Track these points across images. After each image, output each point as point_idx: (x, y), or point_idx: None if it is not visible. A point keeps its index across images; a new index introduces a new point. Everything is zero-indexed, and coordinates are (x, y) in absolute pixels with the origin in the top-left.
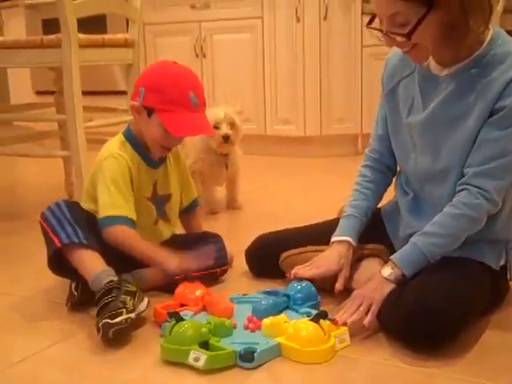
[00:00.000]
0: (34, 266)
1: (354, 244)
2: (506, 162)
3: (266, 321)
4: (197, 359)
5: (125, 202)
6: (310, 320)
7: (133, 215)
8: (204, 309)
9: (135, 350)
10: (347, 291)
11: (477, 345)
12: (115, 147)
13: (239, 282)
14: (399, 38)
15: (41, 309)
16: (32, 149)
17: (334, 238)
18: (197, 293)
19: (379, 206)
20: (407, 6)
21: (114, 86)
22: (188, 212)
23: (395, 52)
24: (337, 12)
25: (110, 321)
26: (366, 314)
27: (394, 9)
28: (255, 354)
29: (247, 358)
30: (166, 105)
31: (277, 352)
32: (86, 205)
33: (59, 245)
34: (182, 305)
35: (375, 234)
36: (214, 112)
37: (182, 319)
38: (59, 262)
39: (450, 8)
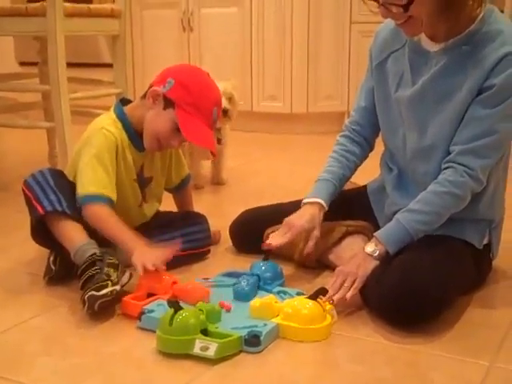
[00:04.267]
0: (18, 238)
1: (326, 207)
2: (492, 141)
3: (255, 302)
4: (205, 348)
5: (108, 181)
6: (309, 298)
7: (114, 195)
8: (175, 296)
9: (117, 323)
10: (327, 267)
11: (459, 322)
12: (106, 123)
13: (224, 257)
14: (395, 10)
15: (22, 281)
16: (15, 120)
17: (305, 200)
18: (164, 279)
19: (365, 183)
20: None
21: (99, 58)
22: (180, 189)
23: (386, 25)
24: None
25: (95, 293)
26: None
27: None
28: (261, 338)
29: (254, 343)
30: (190, 107)
31: (276, 333)
32: (70, 178)
33: (42, 212)
34: (150, 294)
35: (361, 211)
36: None
37: (181, 308)
38: (42, 231)
39: None
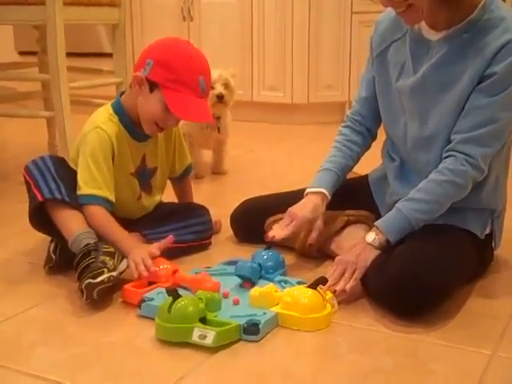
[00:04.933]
0: (18, 227)
1: (329, 197)
2: (494, 130)
3: (254, 292)
4: (203, 336)
5: (103, 181)
6: (308, 286)
7: (110, 195)
8: (176, 285)
9: (117, 312)
10: (328, 256)
11: (460, 312)
12: (100, 120)
13: (225, 247)
14: None
15: (22, 271)
16: (15, 110)
17: (308, 190)
18: (163, 267)
19: (367, 172)
20: None
21: (99, 47)
22: (181, 179)
23: (386, 14)
24: None
25: (92, 281)
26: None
27: None
28: (260, 326)
29: (252, 331)
30: (174, 84)
31: (275, 322)
32: (72, 166)
33: (41, 199)
34: (151, 282)
35: (362, 200)
36: None
37: (180, 296)
38: (41, 217)
39: None
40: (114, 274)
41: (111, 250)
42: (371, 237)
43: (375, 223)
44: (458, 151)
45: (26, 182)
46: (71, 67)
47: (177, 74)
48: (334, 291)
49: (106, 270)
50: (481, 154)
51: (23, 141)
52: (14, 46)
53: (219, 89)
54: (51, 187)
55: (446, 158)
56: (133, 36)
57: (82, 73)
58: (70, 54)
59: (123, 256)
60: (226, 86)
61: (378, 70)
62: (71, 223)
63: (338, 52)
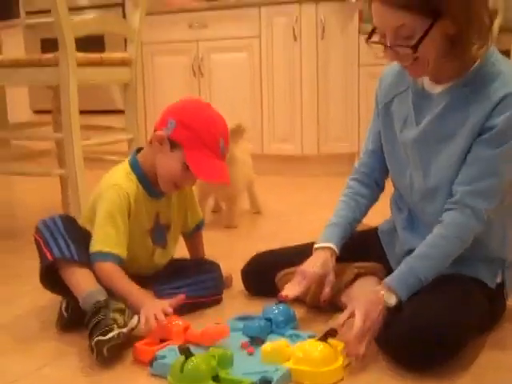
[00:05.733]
0: (30, 284)
1: (337, 251)
2: (496, 183)
3: (266, 347)
4: None
5: (117, 238)
6: (319, 340)
7: (122, 252)
8: (188, 342)
9: (128, 370)
10: (335, 304)
11: (473, 364)
12: (119, 177)
13: (236, 301)
14: (404, 51)
15: (32, 329)
16: (29, 167)
17: (316, 245)
18: (175, 323)
19: (376, 224)
20: (413, 18)
21: (112, 105)
22: (192, 234)
23: (389, 69)
24: (334, 31)
25: (102, 338)
26: None
27: (400, 21)
28: (272, 383)
29: None
30: (196, 145)
31: (288, 378)
32: (84, 226)
33: (51, 258)
34: (162, 340)
35: (372, 252)
36: None
37: (192, 354)
38: (51, 277)
39: (455, 19)
40: (124, 330)
41: (121, 306)
42: (393, 300)
43: (388, 283)
44: (462, 204)
45: (36, 242)
46: (84, 125)
47: (198, 135)
48: (359, 357)
49: (115, 326)
50: (485, 207)
51: (37, 199)
52: (29, 105)
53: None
54: (61, 246)
55: (450, 210)
56: (144, 93)
57: (94, 130)
58: (82, 112)
59: (134, 312)
60: None
61: (383, 122)
62: (81, 282)
63: (346, 103)
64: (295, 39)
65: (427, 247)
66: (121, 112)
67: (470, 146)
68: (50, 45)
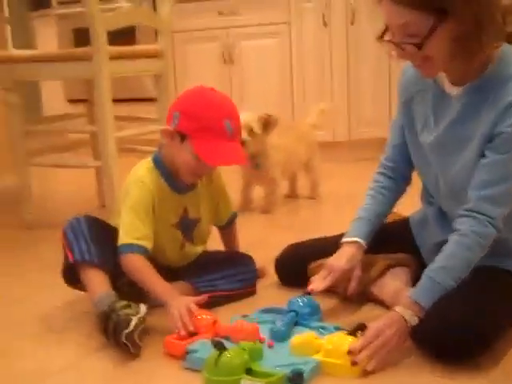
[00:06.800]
0: None
1: (365, 246)
2: (507, 187)
3: (295, 340)
4: None
5: (142, 230)
6: (348, 333)
7: (148, 244)
8: (217, 335)
9: (161, 364)
10: (365, 296)
11: (507, 356)
12: (141, 173)
13: (267, 292)
14: (410, 48)
15: (73, 319)
16: (64, 159)
17: (343, 240)
18: (204, 318)
19: (408, 215)
20: (417, 16)
21: (144, 93)
22: (226, 227)
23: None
24: (364, 16)
25: (127, 330)
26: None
27: (404, 18)
28: (304, 375)
29: (297, 381)
30: (200, 132)
31: (318, 370)
32: (114, 222)
33: (72, 261)
34: (192, 334)
35: (403, 243)
36: None
37: (225, 348)
38: (73, 276)
39: (463, 19)
40: (142, 314)
41: (125, 302)
42: (415, 320)
43: (414, 298)
44: (477, 212)
45: (62, 242)
46: (118, 116)
47: (201, 121)
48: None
49: (132, 316)
50: (499, 213)
51: (73, 190)
52: (63, 95)
53: (243, 135)
54: (82, 249)
55: (466, 217)
56: (176, 81)
57: (128, 120)
58: (115, 101)
59: (157, 304)
60: (250, 131)
61: (405, 117)
62: (94, 285)
63: (377, 89)
64: (325, 25)
65: (449, 258)
66: (153, 100)
67: (483, 150)
68: (82, 35)
